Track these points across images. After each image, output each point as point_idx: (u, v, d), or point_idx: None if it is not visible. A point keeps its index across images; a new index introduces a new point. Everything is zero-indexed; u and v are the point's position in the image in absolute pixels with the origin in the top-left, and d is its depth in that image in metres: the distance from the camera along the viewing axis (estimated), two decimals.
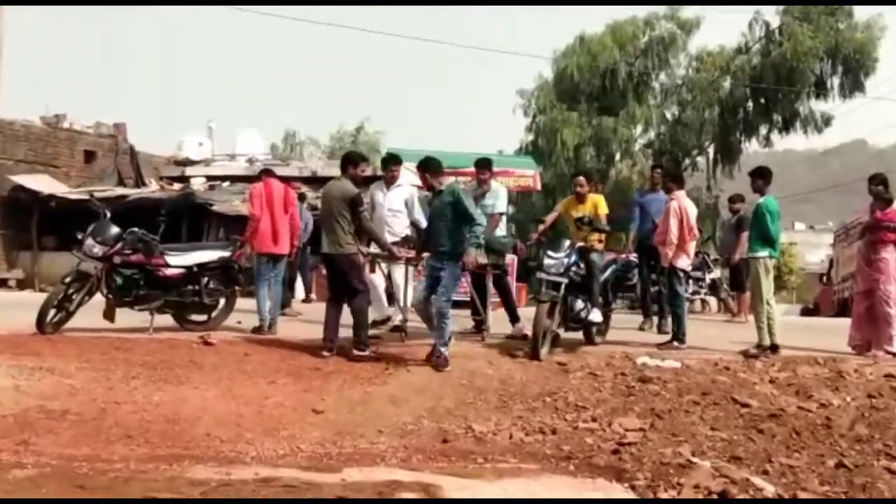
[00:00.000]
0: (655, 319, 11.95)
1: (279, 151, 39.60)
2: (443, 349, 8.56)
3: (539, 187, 17.18)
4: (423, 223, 9.84)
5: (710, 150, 33.00)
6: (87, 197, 15.56)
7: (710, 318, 15.28)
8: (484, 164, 10.77)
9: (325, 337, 9.03)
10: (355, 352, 8.87)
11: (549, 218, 10.82)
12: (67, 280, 9.71)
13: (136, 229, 9.92)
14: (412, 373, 8.46)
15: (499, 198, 10.71)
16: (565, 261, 9.31)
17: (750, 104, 31.60)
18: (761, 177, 9.80)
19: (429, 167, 8.93)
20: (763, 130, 32.08)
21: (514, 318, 10.58)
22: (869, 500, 5.63)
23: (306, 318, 12.10)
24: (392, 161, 10.75)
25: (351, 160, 9.45)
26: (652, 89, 32.45)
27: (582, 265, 9.61)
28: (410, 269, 10.10)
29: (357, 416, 7.23)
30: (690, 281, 15.68)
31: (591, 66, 30.84)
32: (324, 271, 17.27)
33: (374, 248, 9.78)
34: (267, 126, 75.70)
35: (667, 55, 31.63)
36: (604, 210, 10.35)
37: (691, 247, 10.36)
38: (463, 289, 10.75)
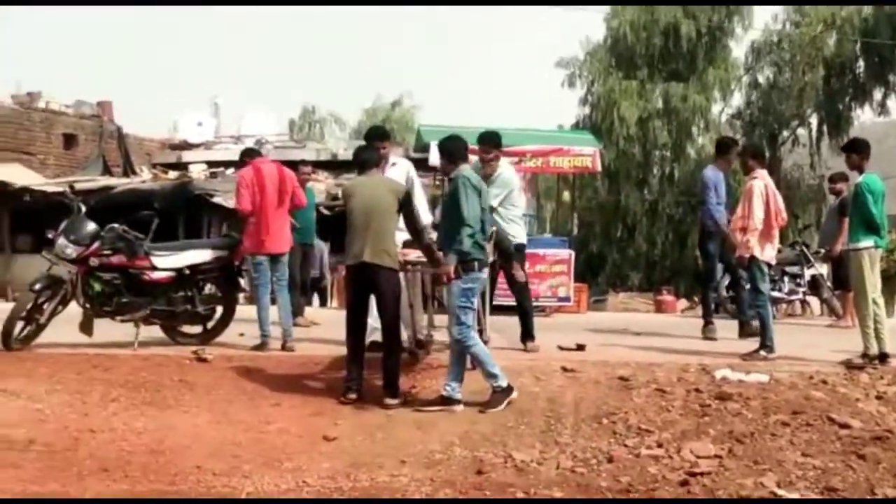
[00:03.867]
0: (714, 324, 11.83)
1: (296, 131, 39.87)
2: (493, 383, 8.11)
3: (600, 168, 17.05)
4: (426, 217, 9.66)
5: (813, 120, 32.62)
6: (64, 189, 15.74)
7: (811, 321, 15.09)
8: (487, 141, 10.11)
9: (349, 377, 8.50)
10: (388, 400, 8.24)
11: None
12: (37, 287, 9.82)
13: (115, 225, 10.00)
14: (440, 390, 8.43)
15: (497, 184, 10.11)
16: None
17: (861, 64, 31.24)
18: (856, 150, 9.66)
19: (448, 151, 8.58)
20: (877, 95, 31.69)
21: (526, 334, 10.33)
22: (869, 499, 5.92)
23: (324, 328, 12.16)
24: (377, 136, 10.04)
25: (378, 157, 9.27)
26: (726, 48, 32.07)
27: None
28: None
29: (376, 443, 7.26)
30: (787, 278, 15.52)
31: (647, 24, 30.69)
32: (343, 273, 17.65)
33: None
34: (282, 102, 76.02)
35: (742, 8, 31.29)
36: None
37: (777, 235, 10.26)
38: (504, 292, 10.72)
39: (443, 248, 8.39)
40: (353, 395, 8.36)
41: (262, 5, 66.43)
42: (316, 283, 15.95)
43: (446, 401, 8.06)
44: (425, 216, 9.62)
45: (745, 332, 11.46)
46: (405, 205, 8.59)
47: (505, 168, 10.40)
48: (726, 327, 11.84)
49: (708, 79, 31.02)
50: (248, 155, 11.07)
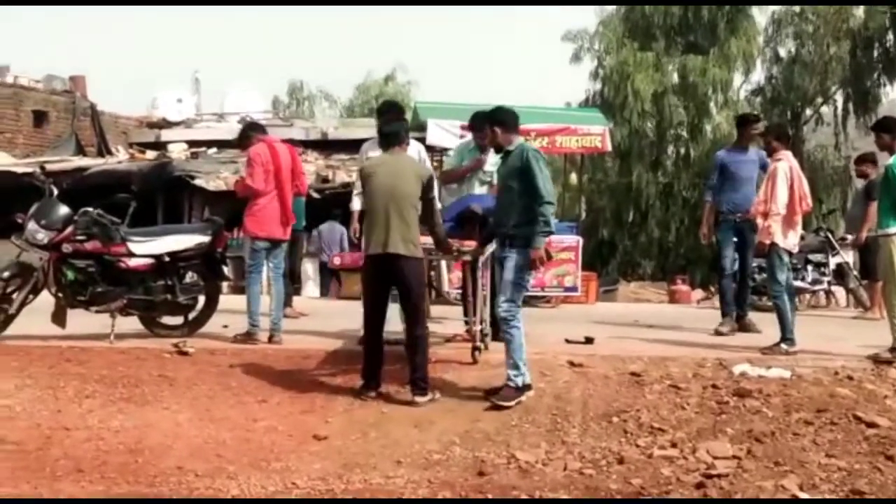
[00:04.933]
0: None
1: (283, 109, 39.80)
2: (513, 374, 8.06)
3: (609, 147, 17.08)
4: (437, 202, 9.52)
5: (839, 97, 32.65)
6: (34, 170, 15.71)
7: (836, 313, 15.11)
8: (484, 120, 9.72)
9: (367, 373, 8.43)
10: (417, 399, 8.15)
11: None
12: (5, 275, 9.83)
13: (89, 209, 9.99)
14: (441, 386, 8.48)
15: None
16: None
17: (891, 37, 31.22)
18: (887, 130, 9.64)
19: (502, 120, 8.46)
20: None
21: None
22: (869, 500, 5.99)
23: (312, 319, 12.19)
24: (395, 110, 10.30)
25: (405, 131, 9.05)
26: (750, 18, 32.03)
27: None
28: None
29: (370, 442, 7.29)
30: (810, 267, 15.53)
31: None
32: (335, 260, 17.65)
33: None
34: (268, 77, 75.85)
35: None
36: None
37: (800, 221, 10.26)
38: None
39: (499, 228, 8.40)
40: (372, 394, 8.31)
41: None
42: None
43: (513, 390, 8.03)
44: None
45: (742, 325, 11.52)
46: (427, 191, 8.47)
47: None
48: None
49: (730, 50, 31.00)
50: (256, 130, 10.93)
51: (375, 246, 8.27)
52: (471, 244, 9.16)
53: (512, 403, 7.91)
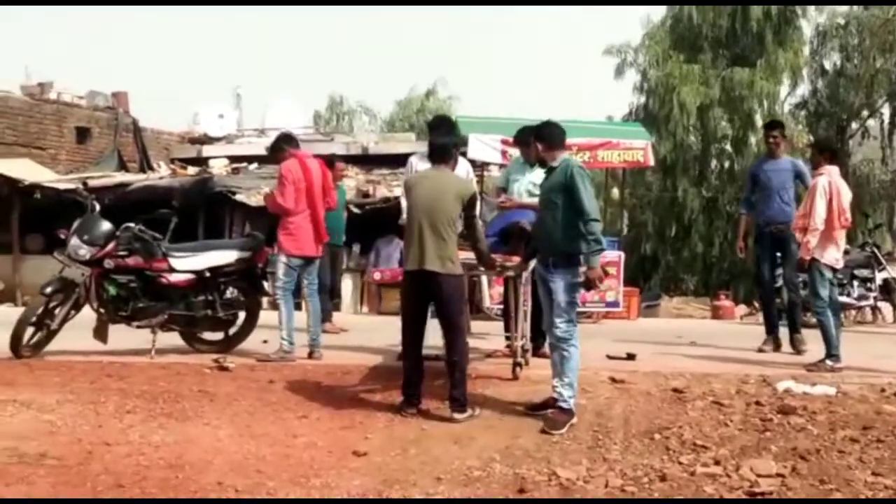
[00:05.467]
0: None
1: (323, 124, 39.97)
2: (565, 394, 7.95)
3: (652, 162, 17.03)
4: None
5: (885, 111, 32.39)
6: (77, 186, 15.87)
7: (883, 329, 14.98)
8: (530, 134, 9.63)
9: (407, 390, 8.38)
10: (456, 416, 8.12)
11: None
12: (48, 291, 9.93)
13: (131, 225, 10.09)
14: (482, 402, 8.47)
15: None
16: None
17: None
18: None
19: (545, 135, 8.34)
20: None
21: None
22: (870, 499, 6.07)
23: (352, 335, 12.21)
24: (448, 126, 10.26)
25: (454, 145, 9.00)
26: (798, 30, 31.82)
27: None
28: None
29: (410, 459, 7.25)
30: (856, 282, 15.42)
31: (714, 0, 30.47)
32: (374, 276, 17.67)
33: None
34: (308, 92, 76.26)
35: None
36: None
37: (841, 236, 10.16)
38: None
39: (541, 244, 8.30)
40: (412, 410, 8.26)
41: None
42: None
43: (565, 413, 7.91)
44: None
45: (792, 343, 11.40)
46: (468, 209, 8.37)
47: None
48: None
49: (778, 62, 30.65)
50: (289, 143, 10.74)
51: (412, 262, 8.23)
52: (514, 260, 9.09)
53: (565, 430, 7.76)
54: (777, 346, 11.44)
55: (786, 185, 11.31)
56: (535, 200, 9.75)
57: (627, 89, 32.82)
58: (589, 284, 8.01)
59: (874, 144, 32.33)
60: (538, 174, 9.90)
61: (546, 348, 9.14)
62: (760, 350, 11.28)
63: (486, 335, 10.86)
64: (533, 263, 8.84)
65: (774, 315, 11.74)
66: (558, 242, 8.01)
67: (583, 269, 7.92)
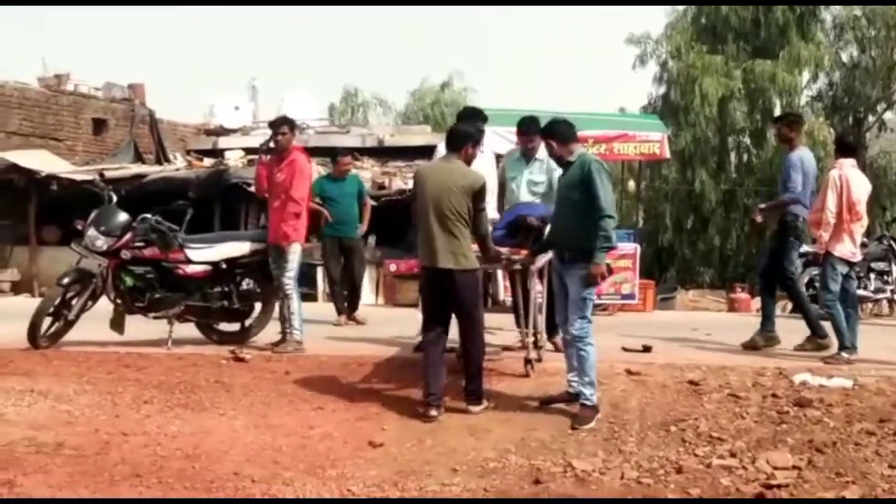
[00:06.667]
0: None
1: (338, 116, 39.99)
2: (587, 392, 7.91)
3: (668, 154, 16.99)
4: (493, 212, 9.47)
5: None
6: (94, 177, 15.92)
7: None
8: (531, 124, 9.84)
9: (429, 389, 8.12)
10: (471, 408, 8.08)
11: None
12: (65, 282, 9.98)
13: (148, 216, 10.12)
14: (497, 394, 8.49)
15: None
16: None
17: None
18: None
19: (555, 132, 8.22)
20: None
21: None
22: (869, 499, 6.07)
23: (368, 326, 12.26)
24: (479, 118, 9.97)
25: (471, 136, 8.54)
26: (821, 22, 31.71)
27: None
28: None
29: (425, 450, 7.30)
30: (873, 275, 15.36)
31: None
32: (390, 267, 17.68)
33: None
34: (323, 84, 76.29)
35: None
36: None
37: (857, 229, 10.11)
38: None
39: (558, 241, 8.22)
40: (434, 413, 8.00)
41: None
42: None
43: (590, 409, 7.88)
44: (492, 212, 9.43)
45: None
46: (476, 202, 8.14)
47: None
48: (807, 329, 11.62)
49: (801, 54, 30.43)
50: (291, 126, 10.94)
51: (424, 259, 8.20)
52: (522, 253, 8.93)
53: (592, 424, 7.74)
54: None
55: (786, 175, 11.10)
56: (536, 199, 9.82)
57: (644, 81, 32.76)
58: (590, 280, 7.92)
59: (892, 137, 32.22)
60: (537, 170, 9.96)
61: (559, 339, 9.21)
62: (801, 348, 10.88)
63: (500, 330, 10.74)
64: (543, 258, 8.81)
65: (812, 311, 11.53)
66: (575, 238, 7.92)
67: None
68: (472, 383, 8.19)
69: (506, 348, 10.03)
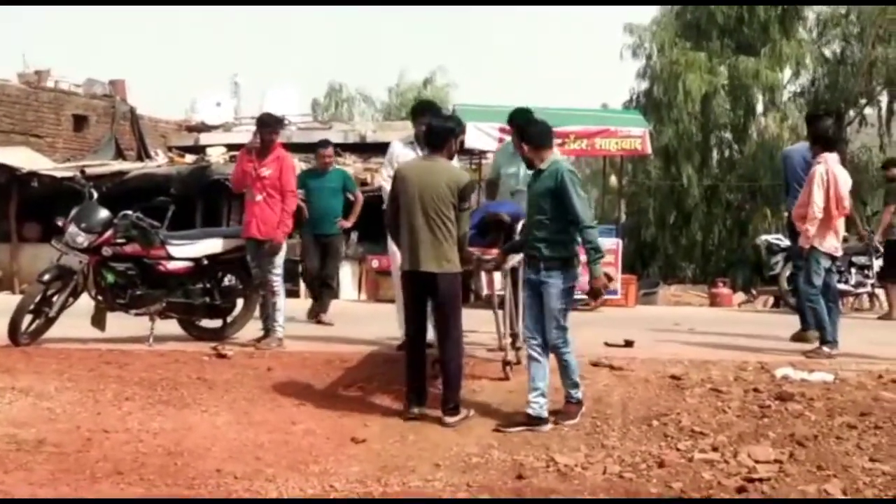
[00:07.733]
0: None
1: (321, 111, 39.95)
2: (573, 392, 7.86)
3: (650, 150, 16.99)
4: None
5: (883, 99, 32.42)
6: (75, 174, 15.86)
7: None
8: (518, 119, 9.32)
9: (410, 392, 8.06)
10: (447, 419, 7.78)
11: None
12: (46, 278, 9.91)
13: (129, 212, 10.08)
14: (478, 390, 8.51)
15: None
16: None
17: None
18: None
19: (531, 137, 7.95)
20: None
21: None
22: (870, 499, 6.06)
23: (350, 323, 12.23)
24: (427, 112, 9.59)
25: (452, 132, 8.32)
26: (803, 20, 31.83)
27: None
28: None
29: (408, 445, 7.31)
30: (853, 269, 15.44)
31: None
32: (372, 263, 17.69)
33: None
34: (308, 79, 76.22)
35: None
36: None
37: (840, 224, 10.15)
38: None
39: (530, 249, 7.88)
40: (415, 411, 7.92)
41: None
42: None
43: (574, 405, 7.85)
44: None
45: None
46: (460, 201, 7.90)
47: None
48: (788, 323, 11.70)
49: (784, 51, 30.75)
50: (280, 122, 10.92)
51: (406, 262, 8.01)
52: (492, 253, 8.67)
53: (577, 419, 7.72)
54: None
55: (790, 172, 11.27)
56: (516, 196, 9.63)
57: (626, 77, 32.94)
58: (595, 294, 7.91)
59: (872, 132, 32.34)
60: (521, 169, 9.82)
61: (520, 353, 8.95)
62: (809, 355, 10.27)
63: (477, 331, 10.59)
64: (515, 258, 8.65)
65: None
66: (552, 248, 7.71)
67: (584, 277, 7.77)
68: (448, 391, 7.94)
69: (491, 349, 9.90)
